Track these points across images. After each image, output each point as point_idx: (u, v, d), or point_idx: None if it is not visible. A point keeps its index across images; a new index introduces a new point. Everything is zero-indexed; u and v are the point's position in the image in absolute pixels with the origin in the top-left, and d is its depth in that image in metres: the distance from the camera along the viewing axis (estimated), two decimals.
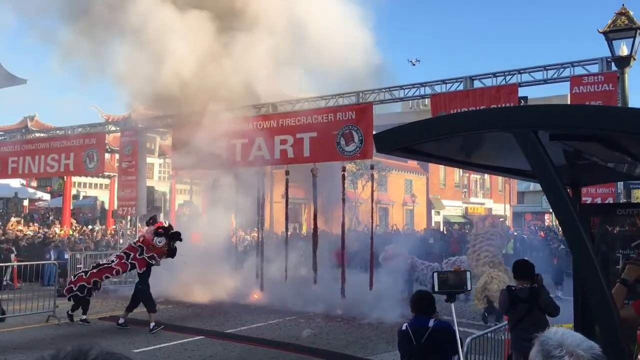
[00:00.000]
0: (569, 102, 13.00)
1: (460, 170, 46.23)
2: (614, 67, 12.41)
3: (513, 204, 57.53)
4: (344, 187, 15.90)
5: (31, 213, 33.42)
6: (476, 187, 55.66)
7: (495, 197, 56.19)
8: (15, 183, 32.34)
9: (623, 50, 12.22)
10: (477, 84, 14.06)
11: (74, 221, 28.88)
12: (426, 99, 15.81)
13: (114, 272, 13.02)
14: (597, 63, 12.66)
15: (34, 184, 35.83)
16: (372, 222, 16.13)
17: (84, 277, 12.90)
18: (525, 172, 4.19)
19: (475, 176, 53.51)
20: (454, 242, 25.49)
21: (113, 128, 21.45)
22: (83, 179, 34.44)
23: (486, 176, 52.69)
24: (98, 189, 35.98)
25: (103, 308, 14.91)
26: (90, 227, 27.92)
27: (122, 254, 13.06)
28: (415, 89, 15.07)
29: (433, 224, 45.11)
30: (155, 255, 12.59)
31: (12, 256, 18.79)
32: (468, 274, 5.12)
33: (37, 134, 24.23)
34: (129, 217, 20.51)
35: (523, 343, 5.57)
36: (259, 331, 12.26)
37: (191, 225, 18.85)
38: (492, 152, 3.83)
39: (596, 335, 2.69)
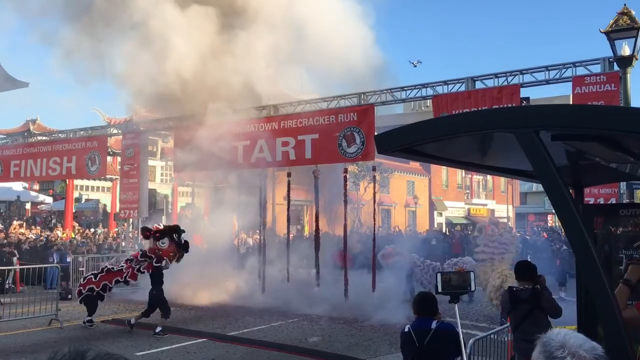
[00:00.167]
0: (571, 103, 12.98)
1: (463, 171, 46.25)
2: (616, 67, 12.39)
3: (516, 205, 57.46)
4: (345, 189, 15.89)
5: (33, 216, 33.45)
6: (479, 188, 55.61)
7: (498, 198, 56.13)
8: (18, 186, 32.38)
9: (625, 50, 12.20)
10: (479, 85, 14.05)
11: (76, 224, 28.90)
12: (428, 100, 15.82)
13: (124, 276, 12.86)
14: (599, 63, 12.65)
15: (37, 187, 35.90)
16: (375, 224, 16.11)
17: (93, 279, 12.81)
18: (527, 173, 4.17)
19: (477, 177, 53.48)
20: (456, 243, 25.45)
21: (115, 131, 21.50)
22: (85, 182, 34.49)
23: (489, 177, 52.67)
24: (100, 192, 36.02)
25: (106, 311, 14.89)
26: (92, 230, 27.93)
27: (131, 258, 13.04)
28: (417, 90, 15.06)
29: (435, 226, 45.08)
30: (166, 258, 12.49)
31: (15, 259, 18.80)
32: (472, 274, 5.10)
33: (39, 137, 24.27)
34: (131, 220, 20.53)
35: (525, 344, 5.55)
36: (261, 333, 12.24)
37: (193, 228, 18.85)
38: (493, 152, 3.82)
39: (599, 336, 2.67)
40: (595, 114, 2.92)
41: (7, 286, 17.44)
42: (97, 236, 25.31)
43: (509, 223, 48.79)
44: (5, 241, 20.78)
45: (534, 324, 5.84)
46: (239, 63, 16.06)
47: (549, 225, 43.81)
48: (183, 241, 12.84)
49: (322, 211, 17.61)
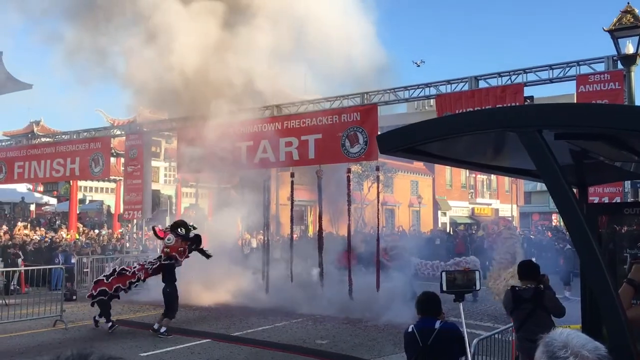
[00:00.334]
0: (575, 102, 12.94)
1: (467, 170, 46.16)
2: (620, 66, 12.35)
3: (520, 204, 57.37)
4: (349, 189, 15.88)
5: (38, 218, 33.56)
6: (483, 187, 55.52)
7: (502, 197, 56.02)
8: (22, 188, 32.49)
9: (629, 48, 12.16)
10: (482, 84, 14.02)
11: (80, 225, 28.98)
12: (431, 100, 15.79)
13: (136, 277, 12.74)
14: (603, 62, 12.61)
15: (41, 188, 35.99)
16: (378, 224, 16.09)
17: (105, 282, 12.69)
18: (531, 172, 4.15)
19: (481, 177, 53.40)
20: (460, 243, 25.42)
21: (118, 132, 21.53)
22: (89, 183, 34.58)
23: (493, 176, 52.56)
24: (104, 193, 36.11)
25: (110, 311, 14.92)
26: (96, 231, 28.00)
27: (143, 262, 13.04)
28: (421, 89, 15.04)
29: (440, 225, 45.02)
30: (175, 255, 12.38)
31: (19, 261, 18.86)
32: (477, 273, 5.08)
33: (43, 139, 24.33)
34: (135, 221, 20.56)
35: (528, 344, 5.53)
36: (265, 334, 12.25)
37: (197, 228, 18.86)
38: (497, 152, 3.80)
39: (604, 336, 2.65)
40: (598, 112, 2.91)
41: (12, 287, 17.50)
42: (101, 237, 25.36)
43: (513, 222, 48.71)
44: (10, 242, 20.86)
45: (537, 323, 5.82)
46: (243, 61, 16.06)
47: (554, 224, 43.68)
48: (192, 234, 12.72)
49: (326, 211, 17.57)
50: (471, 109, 12.90)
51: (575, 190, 4.51)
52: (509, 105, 12.47)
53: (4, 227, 25.69)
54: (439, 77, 16.57)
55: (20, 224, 27.47)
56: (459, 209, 51.22)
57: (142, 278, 12.84)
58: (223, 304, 15.58)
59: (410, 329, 5.17)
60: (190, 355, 10.40)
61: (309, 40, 16.81)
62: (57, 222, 31.42)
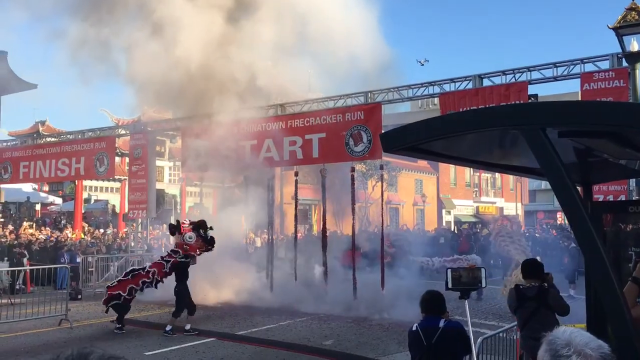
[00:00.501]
0: (579, 100, 12.89)
1: (471, 169, 46.06)
2: (624, 63, 12.29)
3: (524, 202, 57.18)
4: (353, 188, 15.87)
5: (43, 217, 33.66)
6: (487, 186, 55.37)
7: (507, 196, 55.88)
8: (27, 187, 32.59)
9: (634, 45, 12.10)
10: (486, 82, 13.98)
11: (85, 225, 29.06)
12: (435, 98, 15.75)
13: (150, 275, 12.56)
14: (607, 59, 12.56)
15: (46, 188, 36.10)
16: (383, 223, 16.08)
17: (117, 285, 12.57)
18: (535, 171, 4.15)
19: (486, 175, 53.27)
20: (464, 242, 25.37)
21: (123, 132, 21.57)
22: (94, 183, 34.68)
23: (497, 175, 52.42)
24: (109, 193, 36.19)
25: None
26: (101, 230, 28.08)
27: (158, 259, 12.85)
28: (424, 88, 15.01)
29: (444, 224, 44.96)
30: (192, 253, 12.37)
31: (25, 260, 18.94)
32: (483, 270, 5.08)
33: (48, 139, 24.41)
34: (139, 220, 20.60)
35: (532, 342, 5.53)
36: (270, 333, 12.26)
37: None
38: (501, 150, 3.79)
39: (609, 335, 2.65)
40: (602, 109, 2.90)
41: (17, 287, 17.58)
42: (106, 237, 25.44)
43: (518, 221, 48.54)
44: (16, 242, 20.94)
45: (541, 321, 5.81)
46: (247, 57, 16.05)
47: (559, 222, 43.53)
48: (209, 237, 12.71)
49: (330, 210, 17.59)
50: (475, 108, 12.87)
51: (579, 188, 4.50)
52: (512, 103, 12.44)
53: (10, 227, 25.81)
54: (442, 76, 16.48)
55: (25, 224, 27.59)
56: (463, 208, 51.13)
57: (160, 278, 12.63)
58: (227, 303, 15.60)
59: (414, 328, 5.16)
60: (195, 354, 10.41)
61: (312, 36, 16.80)
62: (63, 222, 31.52)
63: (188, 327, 11.99)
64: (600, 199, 11.02)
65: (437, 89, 14.75)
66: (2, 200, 29.48)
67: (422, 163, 44.58)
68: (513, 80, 13.55)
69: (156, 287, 12.98)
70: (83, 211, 30.65)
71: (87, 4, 17.62)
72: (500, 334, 7.84)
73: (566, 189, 2.64)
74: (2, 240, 21.46)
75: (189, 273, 12.45)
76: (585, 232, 2.60)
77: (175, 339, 11.48)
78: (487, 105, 12.75)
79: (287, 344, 11.11)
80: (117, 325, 12.27)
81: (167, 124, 20.08)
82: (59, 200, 35.50)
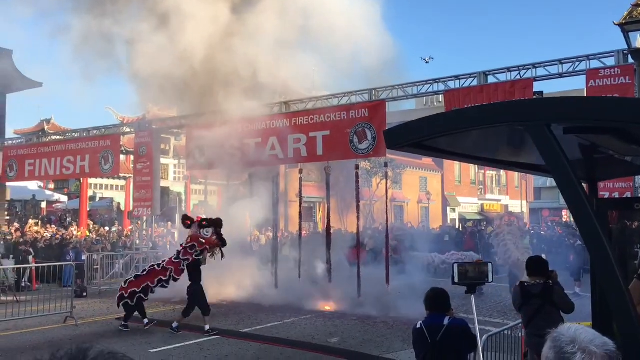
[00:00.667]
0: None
1: (476, 166, 45.97)
2: (630, 60, 12.22)
3: (530, 200, 57.04)
4: (357, 185, 15.86)
5: (49, 215, 33.79)
6: (492, 183, 55.26)
7: (512, 193, 55.75)
8: (33, 185, 32.73)
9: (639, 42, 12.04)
10: (491, 79, 13.93)
11: (91, 222, 29.15)
12: (440, 96, 15.70)
13: (167, 273, 12.36)
14: (613, 56, 12.48)
15: (52, 186, 36.25)
16: (387, 220, 16.06)
17: (134, 281, 12.42)
18: (541, 168, 4.12)
19: (491, 172, 53.15)
20: (468, 239, 25.34)
21: (128, 130, 21.61)
22: (99, 181, 34.79)
23: (502, 172, 52.32)
24: (114, 191, 36.30)
25: (120, 309, 14.99)
26: (107, 228, 28.16)
27: (177, 259, 12.50)
28: (429, 85, 14.96)
29: (449, 221, 44.88)
30: (207, 247, 12.24)
31: (30, 258, 19.01)
32: (490, 265, 5.06)
33: (54, 137, 24.47)
34: (144, 218, 20.64)
35: (537, 339, 5.50)
36: (274, 330, 12.27)
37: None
38: (506, 147, 3.77)
39: (614, 333, 2.63)
40: (608, 105, 2.87)
41: (23, 284, 17.64)
42: (111, 234, 25.50)
43: (523, 220, 48.45)
44: (22, 240, 21.02)
45: (546, 319, 5.79)
46: (251, 51, 16.01)
47: (564, 220, 43.40)
48: (223, 236, 12.62)
49: (335, 208, 17.58)
50: (480, 104, 12.82)
51: (585, 185, 4.47)
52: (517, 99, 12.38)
53: (16, 225, 25.93)
54: (447, 73, 16.40)
55: (31, 222, 27.70)
56: (468, 205, 51.03)
57: (174, 273, 12.39)
58: (232, 300, 15.62)
59: (419, 326, 5.15)
60: (199, 351, 10.43)
61: (315, 31, 16.75)
62: (68, 220, 31.62)
63: (207, 327, 11.82)
64: (606, 196, 10.96)
65: (441, 86, 14.70)
66: (8, 198, 29.59)
67: (427, 160, 44.52)
68: (518, 77, 13.49)
69: (165, 286, 12.76)
70: (88, 209, 30.76)
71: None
72: (505, 332, 7.82)
73: (572, 185, 2.61)
74: (8, 238, 21.55)
75: (201, 272, 12.35)
76: (591, 229, 2.58)
77: (180, 337, 11.50)
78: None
79: (292, 342, 11.12)
80: (123, 323, 12.24)
81: (172, 121, 20.11)
82: (64, 198, 35.63)
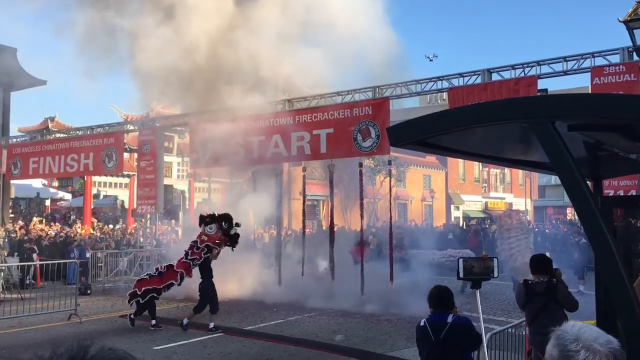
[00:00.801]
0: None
1: (480, 164, 45.92)
2: (635, 57, 12.16)
3: (534, 198, 56.90)
4: (361, 183, 15.85)
5: (53, 213, 33.88)
6: (496, 181, 55.16)
7: (516, 191, 55.64)
8: (37, 183, 32.81)
9: None
10: (495, 77, 13.87)
11: (95, 220, 29.22)
12: (444, 93, 15.66)
13: (178, 276, 12.27)
14: (618, 53, 12.41)
15: (56, 184, 36.32)
16: (391, 218, 16.05)
17: (148, 280, 12.32)
18: (545, 165, 4.10)
19: (495, 170, 53.06)
20: (472, 237, 25.31)
21: (131, 127, 21.64)
22: (103, 179, 34.83)
23: (506, 170, 52.19)
24: (118, 188, 36.35)
25: (124, 306, 14.99)
26: (110, 226, 28.23)
27: (186, 259, 12.42)
28: (433, 82, 14.92)
29: (453, 220, 44.84)
30: (210, 244, 12.15)
31: (35, 255, 19.08)
32: (495, 260, 5.05)
33: (57, 135, 24.53)
34: (148, 216, 20.68)
35: (540, 337, 5.49)
36: (277, 328, 12.28)
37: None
38: (510, 144, 3.76)
39: (619, 331, 2.62)
40: (612, 102, 2.86)
41: (27, 281, 17.70)
42: (115, 232, 25.56)
43: (527, 216, 48.36)
44: (26, 237, 21.09)
45: (550, 317, 5.77)
46: (253, 47, 15.97)
47: (568, 218, 43.32)
48: (233, 232, 12.48)
49: (338, 205, 17.59)
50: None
51: (589, 183, 4.45)
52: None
53: (20, 222, 26.00)
54: (451, 71, 16.32)
55: (35, 219, 27.77)
56: (472, 203, 50.96)
57: (187, 274, 12.34)
58: (235, 298, 15.64)
59: (422, 323, 5.14)
60: (203, 349, 10.45)
61: (319, 28, 16.74)
62: (72, 217, 31.71)
63: (212, 325, 11.80)
64: (611, 194, 10.93)
65: (445, 84, 14.66)
66: (12, 196, 29.66)
67: (431, 158, 44.47)
68: (522, 74, 13.44)
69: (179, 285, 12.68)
70: (92, 207, 30.83)
71: None
72: (509, 330, 7.81)
73: (576, 183, 2.60)
74: (13, 235, 21.61)
75: (212, 269, 12.29)
76: (595, 227, 2.57)
77: (183, 334, 11.52)
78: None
79: (295, 339, 11.13)
80: (131, 317, 12.18)
81: (176, 119, 20.12)
82: (68, 196, 35.72)
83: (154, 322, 12.16)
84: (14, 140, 25.29)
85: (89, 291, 17.10)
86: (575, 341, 1.73)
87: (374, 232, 22.12)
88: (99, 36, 17.88)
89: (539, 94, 12.91)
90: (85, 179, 28.81)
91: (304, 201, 17.06)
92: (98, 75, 24.14)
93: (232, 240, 12.57)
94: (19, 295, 14.61)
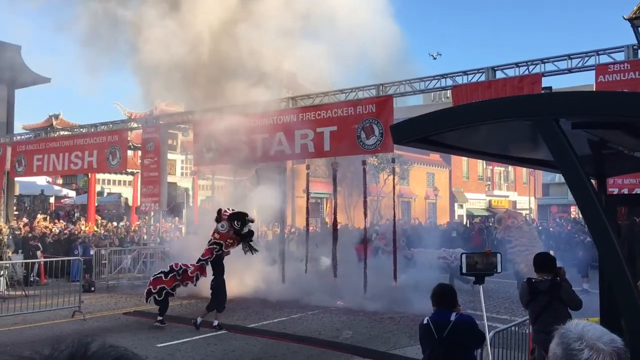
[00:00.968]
0: None
1: (484, 162, 45.81)
2: None
3: (538, 196, 56.78)
4: (365, 181, 15.84)
5: (57, 210, 33.94)
6: (500, 179, 55.04)
7: (520, 189, 55.52)
8: (42, 181, 32.89)
9: None
10: (499, 75, 13.84)
11: (99, 218, 29.26)
12: (447, 91, 15.64)
13: (194, 278, 12.26)
14: (623, 51, 12.37)
15: (60, 181, 36.40)
16: (394, 216, 16.03)
17: (163, 278, 12.22)
18: (548, 163, 4.09)
19: (499, 168, 52.94)
20: (476, 235, 25.25)
21: (135, 125, 21.67)
22: (107, 176, 34.88)
23: (510, 168, 52.07)
24: (122, 186, 36.42)
25: (128, 303, 15.09)
26: (114, 223, 28.27)
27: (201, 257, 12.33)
28: (437, 80, 14.89)
29: (456, 218, 44.76)
30: (222, 242, 12.03)
31: (39, 253, 19.13)
32: (499, 256, 5.04)
33: (62, 132, 24.58)
34: (152, 213, 20.70)
35: (544, 336, 5.48)
36: (281, 325, 12.29)
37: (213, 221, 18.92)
38: (514, 142, 3.74)
39: (622, 329, 2.61)
40: (617, 100, 2.84)
41: (31, 279, 17.75)
42: (119, 229, 25.59)
43: (531, 215, 48.25)
44: (30, 235, 21.15)
45: (554, 315, 5.76)
46: (258, 45, 15.94)
47: (572, 216, 43.20)
48: (247, 230, 12.29)
49: (342, 203, 17.58)
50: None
51: (593, 181, 4.43)
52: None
53: (24, 220, 26.05)
54: (455, 69, 16.19)
55: (39, 216, 27.81)
56: (475, 201, 50.88)
57: (201, 273, 12.30)
58: (239, 295, 15.64)
59: (425, 321, 5.14)
60: (206, 346, 10.46)
61: (322, 24, 16.69)
62: (76, 215, 31.76)
63: (216, 323, 11.78)
64: (615, 192, 10.90)
65: (449, 82, 14.63)
66: (17, 193, 29.75)
67: (434, 156, 44.39)
68: (527, 72, 13.40)
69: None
70: (96, 204, 30.83)
71: None
72: (513, 328, 7.79)
73: (580, 181, 2.59)
74: (17, 232, 21.66)
75: (224, 266, 12.24)
76: (600, 226, 2.56)
77: (187, 331, 11.54)
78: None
79: (299, 337, 11.13)
80: (159, 319, 12.00)
81: (179, 117, 20.14)
82: (72, 193, 35.79)
83: (160, 318, 12.10)
84: (19, 137, 25.35)
85: (92, 288, 17.14)
86: (579, 340, 1.72)
87: (377, 230, 22.11)
88: (102, 29, 17.82)
89: (543, 91, 12.88)
90: (89, 177, 28.79)
91: (307, 199, 17.07)
92: (102, 70, 24.10)
93: (243, 238, 12.35)
94: (23, 293, 14.66)
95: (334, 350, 10.23)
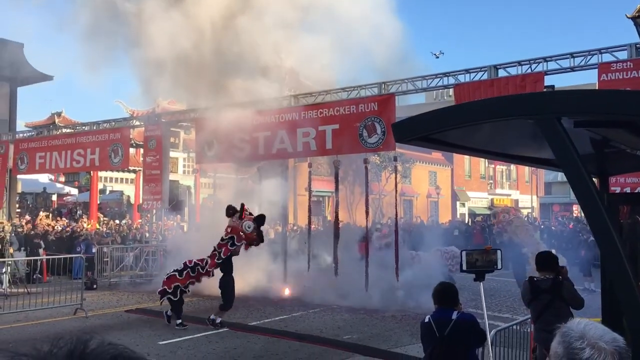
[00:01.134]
0: None
1: (486, 161, 45.77)
2: None
3: (540, 195, 56.71)
4: (367, 179, 15.83)
5: (59, 208, 34.02)
6: (502, 178, 55.00)
7: (522, 188, 55.47)
8: (44, 178, 32.96)
9: None
10: (502, 73, 13.81)
11: (101, 215, 29.31)
12: (450, 90, 15.61)
13: (209, 275, 12.21)
14: (625, 49, 12.33)
15: (62, 179, 36.48)
16: (397, 215, 16.02)
17: (177, 277, 12.07)
18: (550, 162, 4.08)
19: (501, 167, 52.91)
20: (477, 234, 25.24)
21: (137, 123, 21.69)
22: (109, 174, 34.95)
23: (512, 167, 52.05)
24: (124, 184, 36.48)
25: (130, 301, 15.12)
26: (117, 221, 28.32)
27: (214, 251, 12.13)
28: (439, 79, 14.87)
29: (458, 216, 44.75)
30: (244, 242, 11.90)
31: (41, 250, 19.15)
32: (499, 252, 5.03)
33: (64, 130, 24.60)
34: (154, 211, 20.72)
35: (545, 334, 5.48)
36: (282, 323, 12.29)
37: (215, 219, 18.93)
38: (516, 140, 3.74)
39: (624, 329, 2.60)
40: (619, 98, 2.83)
41: (34, 276, 17.78)
42: (121, 227, 25.64)
43: (533, 213, 48.20)
44: (33, 232, 21.19)
45: (555, 314, 5.76)
46: (259, 40, 15.91)
47: (575, 215, 43.14)
48: (262, 232, 12.25)
49: (344, 202, 17.58)
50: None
51: (595, 180, 4.42)
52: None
53: (27, 217, 26.12)
54: (457, 67, 16.09)
55: (42, 214, 27.89)
56: (477, 200, 50.84)
57: (214, 267, 12.18)
58: (240, 293, 15.63)
59: (427, 320, 5.14)
60: (207, 344, 10.48)
61: (324, 17, 16.65)
62: (78, 212, 31.83)
63: (218, 320, 11.73)
64: (617, 191, 10.88)
65: (451, 80, 14.60)
66: (19, 191, 29.81)
67: (436, 155, 44.37)
68: (529, 70, 13.37)
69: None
70: (98, 202, 30.91)
71: None
72: (514, 327, 7.79)
73: (582, 180, 2.59)
74: (19, 230, 21.72)
75: (233, 264, 12.18)
76: (602, 225, 2.56)
77: (188, 329, 11.55)
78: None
79: (300, 335, 11.13)
80: (178, 322, 11.80)
81: (181, 115, 20.14)
82: (74, 191, 35.87)
83: (179, 321, 11.83)
84: (21, 135, 25.39)
85: (95, 286, 17.17)
86: (581, 339, 1.72)
87: (379, 228, 22.11)
88: (103, 23, 17.76)
89: (545, 90, 12.85)
90: (92, 174, 28.87)
91: (309, 197, 17.07)
92: (103, 66, 24.02)
93: (261, 238, 12.24)
94: (26, 290, 14.69)
95: (336, 348, 10.23)
